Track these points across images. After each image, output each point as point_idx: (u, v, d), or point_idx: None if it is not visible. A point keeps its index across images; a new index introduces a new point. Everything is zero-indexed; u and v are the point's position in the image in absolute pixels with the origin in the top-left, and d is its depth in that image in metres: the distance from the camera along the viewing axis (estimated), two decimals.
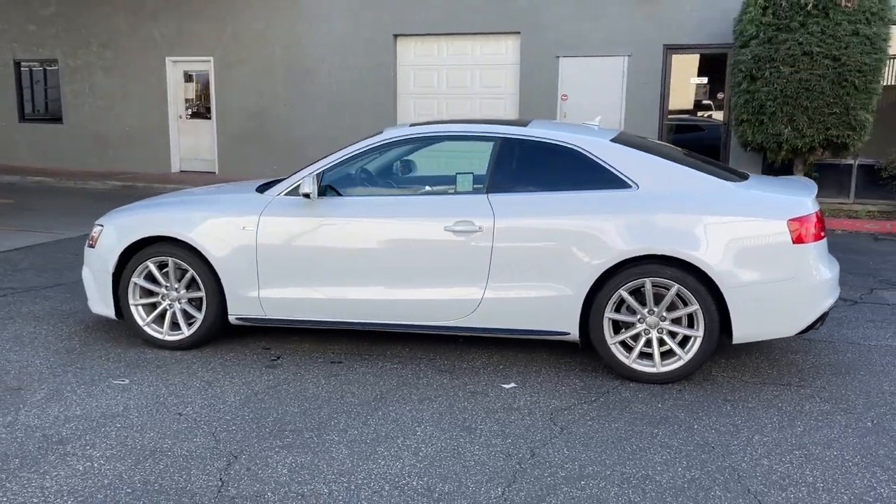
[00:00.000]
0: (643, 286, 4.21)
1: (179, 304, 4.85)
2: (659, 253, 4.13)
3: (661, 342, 4.26)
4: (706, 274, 4.11)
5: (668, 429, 3.68)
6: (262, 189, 4.98)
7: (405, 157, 5.17)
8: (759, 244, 4.08)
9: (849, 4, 9.34)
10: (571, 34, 12.04)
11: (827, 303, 4.19)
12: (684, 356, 4.20)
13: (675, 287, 4.14)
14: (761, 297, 4.09)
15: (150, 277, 4.87)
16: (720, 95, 11.65)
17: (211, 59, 14.39)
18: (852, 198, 11.11)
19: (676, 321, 4.23)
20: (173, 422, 3.77)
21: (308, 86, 13.78)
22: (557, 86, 12.27)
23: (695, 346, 4.18)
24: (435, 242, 4.41)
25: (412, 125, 4.83)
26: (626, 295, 4.23)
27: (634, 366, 4.27)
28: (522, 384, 4.27)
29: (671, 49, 11.67)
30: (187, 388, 4.21)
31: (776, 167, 10.84)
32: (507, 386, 4.24)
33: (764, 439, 3.57)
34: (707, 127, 11.92)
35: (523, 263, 4.32)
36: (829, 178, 10.98)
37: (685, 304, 4.21)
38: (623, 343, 4.33)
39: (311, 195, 4.49)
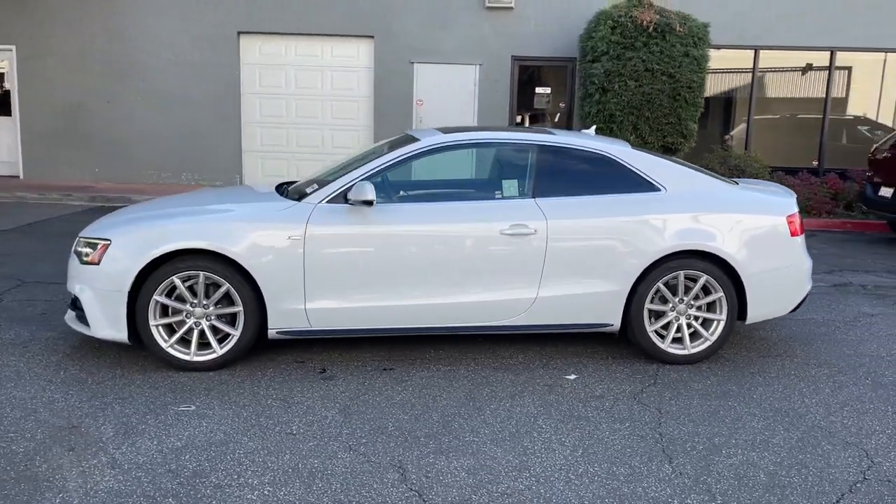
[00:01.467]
0: (677, 278, 4.77)
1: (207, 321, 4.53)
2: (691, 248, 4.70)
3: (689, 327, 4.85)
4: (729, 265, 4.76)
5: (736, 401, 4.26)
6: (283, 194, 4.81)
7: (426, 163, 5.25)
8: (767, 237, 4.83)
9: (681, 30, 10.80)
10: (425, 41, 12.46)
11: (809, 286, 5.05)
12: (710, 338, 4.83)
13: (704, 278, 4.75)
14: (768, 283, 4.84)
15: (171, 294, 4.49)
16: (562, 104, 12.77)
17: (13, 48, 12.73)
18: None
19: (706, 307, 4.84)
20: (295, 441, 3.60)
21: (134, 81, 12.75)
22: (413, 91, 12.62)
23: (719, 329, 4.83)
24: (491, 246, 4.61)
25: (447, 131, 4.95)
26: (662, 287, 4.76)
27: (669, 349, 4.81)
28: (581, 374, 4.62)
29: (518, 60, 12.56)
30: (267, 407, 4.00)
31: None
32: (570, 377, 4.57)
33: (815, 399, 4.28)
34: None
35: (574, 262, 4.67)
36: None
37: (707, 292, 4.84)
38: (654, 330, 4.85)
39: (374, 202, 4.45)
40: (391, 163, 4.71)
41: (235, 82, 12.74)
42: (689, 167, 5.03)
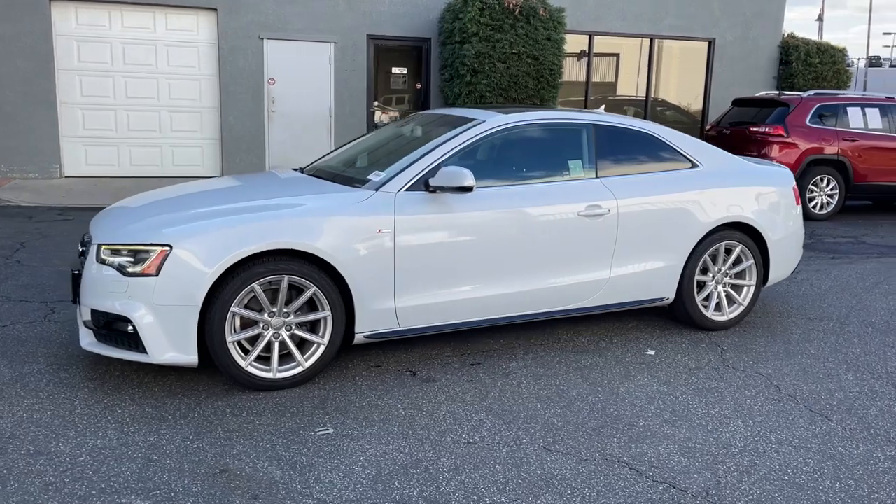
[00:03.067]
0: (718, 249, 5.05)
1: (287, 331, 3.95)
2: (734, 220, 5.01)
3: (726, 294, 5.16)
4: (760, 234, 5.14)
5: (798, 360, 4.64)
6: (336, 182, 4.35)
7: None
8: (783, 207, 5.28)
9: (544, 13, 11.26)
10: (275, 16, 11.66)
11: (802, 252, 5.62)
12: (743, 303, 5.18)
13: (739, 247, 5.09)
14: (783, 249, 5.30)
15: (247, 303, 3.85)
16: (418, 85, 12.69)
17: None
18: None
19: (737, 275, 5.18)
20: (487, 450, 3.30)
21: None
22: (263, 69, 11.77)
23: (750, 294, 5.19)
24: (570, 228, 4.53)
25: (507, 112, 4.73)
26: (707, 259, 5.02)
27: (712, 317, 5.09)
28: (657, 349, 4.73)
29: (373, 39, 12.24)
30: (410, 419, 3.60)
31: None
32: (650, 352, 4.66)
33: (858, 350, 4.80)
34: (406, 114, 12.85)
35: (640, 240, 4.75)
36: None
37: (738, 261, 5.17)
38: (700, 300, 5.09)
39: (473, 188, 4.14)
40: (463, 145, 4.42)
41: (48, 56, 10.94)
42: (709, 145, 5.33)
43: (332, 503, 2.85)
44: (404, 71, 12.68)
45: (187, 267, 3.67)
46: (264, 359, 3.93)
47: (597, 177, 4.72)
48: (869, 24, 51.35)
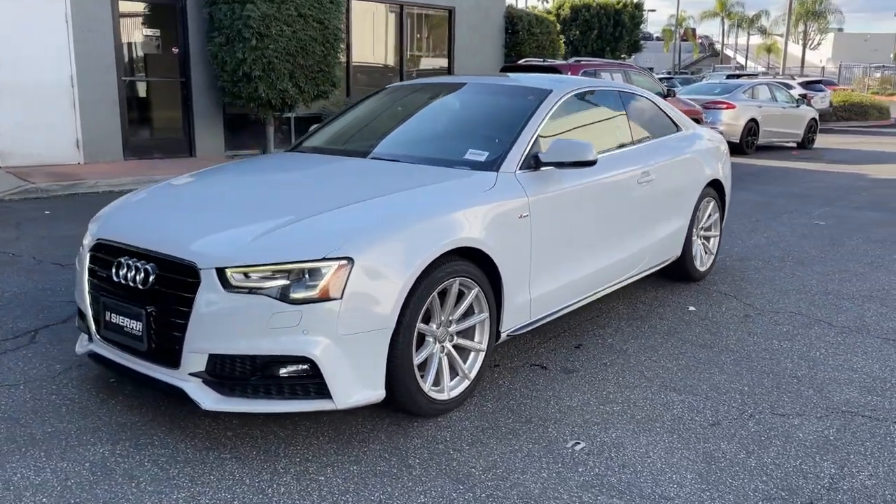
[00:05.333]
0: (705, 205, 5.38)
1: (450, 341, 3.31)
2: (715, 177, 5.39)
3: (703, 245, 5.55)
4: (723, 186, 5.59)
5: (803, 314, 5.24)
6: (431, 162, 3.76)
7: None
8: (726, 159, 5.80)
9: None
10: None
11: None
12: (713, 252, 5.61)
13: (714, 202, 5.50)
14: (729, 193, 5.85)
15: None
16: (175, 49, 11.03)
17: None
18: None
19: (711, 226, 5.58)
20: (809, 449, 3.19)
21: None
22: None
23: (717, 244, 5.64)
24: (635, 195, 4.47)
25: (547, 79, 4.41)
26: (698, 215, 5.33)
27: (700, 268, 5.44)
28: (696, 306, 4.91)
29: None
30: (630, 408, 3.29)
31: (249, 121, 11.37)
32: (692, 308, 4.84)
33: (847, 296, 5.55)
34: (165, 83, 11.10)
35: (669, 203, 4.85)
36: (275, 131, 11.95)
37: (710, 214, 5.56)
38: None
39: (597, 161, 3.82)
40: (546, 118, 4.04)
41: None
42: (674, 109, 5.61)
43: None
44: (157, 32, 10.95)
45: (377, 282, 2.86)
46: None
47: (633, 142, 4.70)
48: None
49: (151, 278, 2.93)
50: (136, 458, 2.82)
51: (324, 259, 2.79)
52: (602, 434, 3.11)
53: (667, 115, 5.23)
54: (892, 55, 64.82)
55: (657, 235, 4.76)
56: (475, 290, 3.29)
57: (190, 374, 2.86)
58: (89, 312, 3.22)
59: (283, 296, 2.75)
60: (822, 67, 64.16)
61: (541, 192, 3.69)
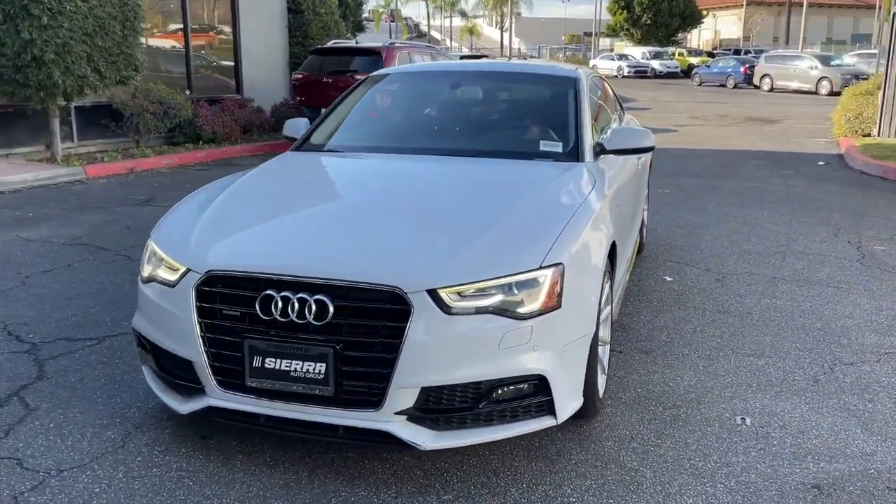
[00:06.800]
0: None
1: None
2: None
3: None
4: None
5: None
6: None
7: None
8: None
9: None
10: None
11: None
12: (644, 223, 6.00)
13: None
14: None
15: None
16: None
17: None
18: (76, 141, 10.68)
19: None
20: None
21: None
22: None
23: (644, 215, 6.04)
24: (640, 173, 4.69)
25: (553, 64, 4.33)
26: None
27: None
28: (670, 276, 5.21)
29: None
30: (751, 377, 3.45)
31: (24, 114, 9.63)
32: (668, 279, 5.13)
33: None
34: None
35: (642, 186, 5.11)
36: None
37: None
38: None
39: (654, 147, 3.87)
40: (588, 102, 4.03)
41: None
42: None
43: None
44: None
45: (580, 287, 2.69)
46: None
47: (621, 123, 4.84)
48: None
49: (330, 311, 2.41)
50: None
51: (540, 268, 2.52)
52: (750, 406, 3.21)
53: (618, 101, 5.45)
54: (562, 37, 73.54)
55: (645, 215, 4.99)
56: (609, 281, 3.20)
57: (396, 413, 2.43)
58: (204, 360, 2.56)
59: (511, 312, 2.44)
60: (519, 49, 70.73)
61: (614, 182, 3.69)
